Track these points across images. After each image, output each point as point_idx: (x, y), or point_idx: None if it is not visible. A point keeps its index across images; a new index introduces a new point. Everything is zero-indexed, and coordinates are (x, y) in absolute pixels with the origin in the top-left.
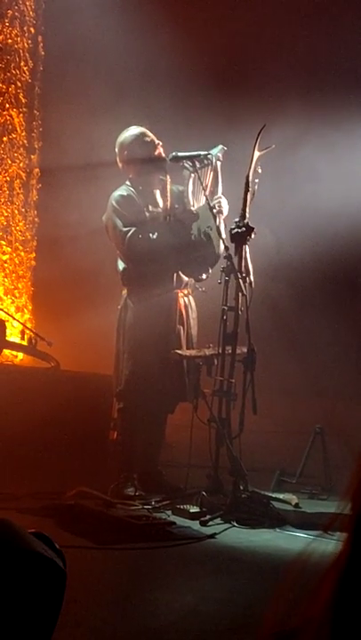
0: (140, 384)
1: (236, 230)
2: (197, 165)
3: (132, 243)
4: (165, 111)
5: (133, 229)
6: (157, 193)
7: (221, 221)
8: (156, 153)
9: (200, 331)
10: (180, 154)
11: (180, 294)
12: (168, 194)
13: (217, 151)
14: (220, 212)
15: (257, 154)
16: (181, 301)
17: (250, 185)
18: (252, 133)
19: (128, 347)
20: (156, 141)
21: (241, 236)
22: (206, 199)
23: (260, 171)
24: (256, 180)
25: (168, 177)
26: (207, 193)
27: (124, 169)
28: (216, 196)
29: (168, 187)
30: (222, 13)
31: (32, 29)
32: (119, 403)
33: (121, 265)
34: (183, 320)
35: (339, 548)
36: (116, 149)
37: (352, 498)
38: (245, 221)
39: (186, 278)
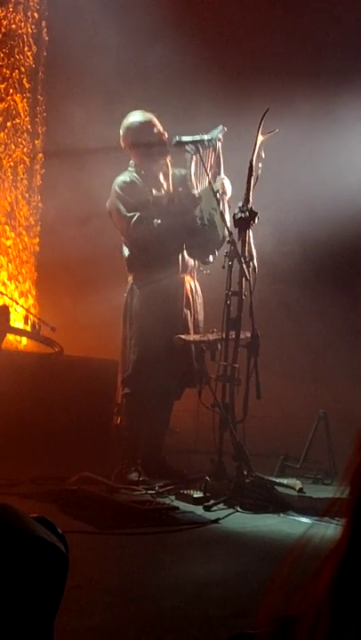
0: (148, 369)
1: (239, 215)
2: (199, 148)
3: (136, 228)
4: (168, 96)
5: (138, 215)
6: (160, 177)
7: (225, 202)
8: (161, 141)
9: (204, 316)
10: (183, 138)
11: (187, 278)
12: (170, 177)
13: (217, 132)
14: (223, 192)
15: (260, 138)
16: (188, 286)
17: (253, 170)
18: (254, 118)
19: (135, 332)
20: (162, 131)
21: (245, 220)
22: (209, 183)
23: (263, 155)
24: (260, 165)
25: (170, 160)
26: (210, 175)
27: (126, 151)
28: (219, 177)
29: (170, 170)
30: None
31: (36, 14)
32: (125, 388)
33: (126, 251)
34: (190, 304)
35: (338, 533)
36: (122, 131)
37: (351, 481)
38: (249, 206)
39: (192, 263)
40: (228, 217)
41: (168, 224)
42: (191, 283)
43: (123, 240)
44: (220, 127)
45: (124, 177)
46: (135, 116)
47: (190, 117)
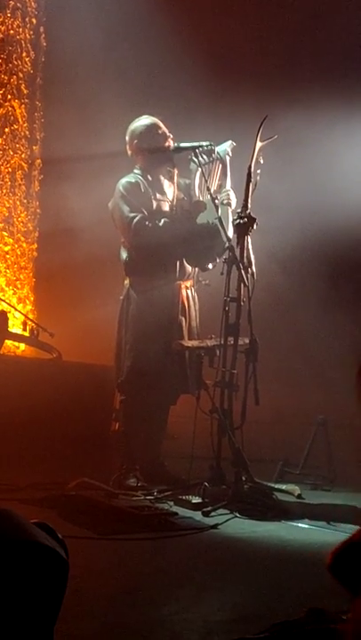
0: (142, 375)
1: (238, 221)
2: (205, 159)
3: (138, 228)
4: (166, 102)
5: (140, 215)
6: (165, 183)
7: (230, 213)
8: (166, 145)
9: (202, 322)
10: (182, 144)
11: (183, 286)
12: (175, 185)
13: (226, 146)
14: (228, 204)
15: (259, 144)
16: (184, 293)
17: (252, 176)
18: (254, 125)
19: (130, 337)
20: (168, 133)
21: (243, 226)
22: (209, 191)
23: (261, 161)
24: (258, 171)
25: (176, 169)
26: (215, 186)
27: (132, 157)
28: (225, 189)
29: (175, 178)
30: (226, 4)
31: (34, 20)
32: (121, 394)
33: (124, 254)
34: (186, 311)
35: None
36: (127, 137)
37: None
38: (248, 212)
39: (190, 269)
40: (230, 225)
41: (170, 228)
42: (188, 290)
43: (122, 242)
44: (230, 142)
45: (128, 178)
46: (140, 121)
47: (189, 124)
